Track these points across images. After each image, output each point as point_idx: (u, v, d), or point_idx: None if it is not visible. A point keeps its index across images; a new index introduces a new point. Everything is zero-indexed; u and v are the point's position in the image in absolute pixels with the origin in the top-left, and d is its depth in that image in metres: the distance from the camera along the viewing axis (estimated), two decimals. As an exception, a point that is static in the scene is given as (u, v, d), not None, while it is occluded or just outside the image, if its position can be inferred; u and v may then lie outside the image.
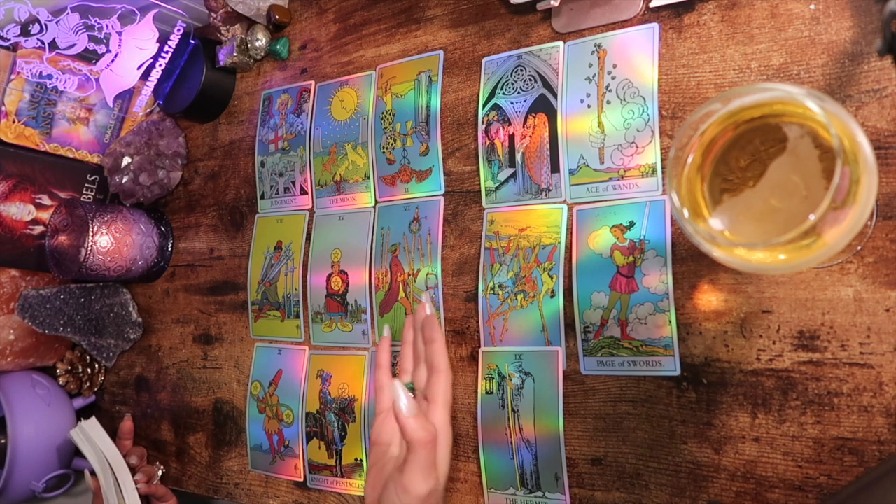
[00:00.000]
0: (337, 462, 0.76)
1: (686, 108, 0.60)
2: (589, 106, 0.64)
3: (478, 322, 0.68)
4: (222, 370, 0.89)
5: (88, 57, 0.87)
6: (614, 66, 0.63)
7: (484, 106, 0.70)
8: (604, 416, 0.61)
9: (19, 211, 0.96)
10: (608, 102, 0.63)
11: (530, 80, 0.68)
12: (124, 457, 0.88)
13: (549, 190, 0.66)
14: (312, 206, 0.83)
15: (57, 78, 0.88)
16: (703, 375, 0.57)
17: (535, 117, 0.67)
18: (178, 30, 0.88)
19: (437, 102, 0.74)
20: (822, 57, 0.54)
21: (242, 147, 0.91)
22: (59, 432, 0.95)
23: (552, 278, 0.64)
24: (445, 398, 0.59)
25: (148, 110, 0.99)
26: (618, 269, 0.61)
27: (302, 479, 0.79)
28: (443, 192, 0.73)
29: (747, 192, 0.43)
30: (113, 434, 0.91)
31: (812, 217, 0.37)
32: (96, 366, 1.02)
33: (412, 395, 0.58)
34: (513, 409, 0.65)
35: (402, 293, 0.74)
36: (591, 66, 0.65)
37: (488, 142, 0.70)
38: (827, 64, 0.54)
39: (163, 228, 0.97)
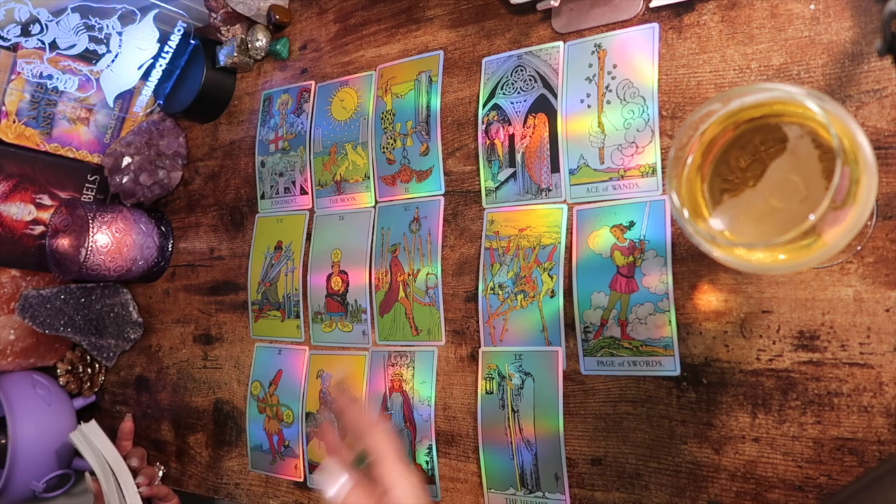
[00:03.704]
0: (337, 462, 0.76)
1: (686, 108, 0.60)
2: (589, 106, 0.64)
3: (478, 322, 0.68)
4: (222, 370, 0.89)
5: (89, 57, 0.87)
6: (614, 66, 0.63)
7: (484, 106, 0.71)
8: (604, 416, 0.61)
9: (20, 211, 0.96)
10: (608, 102, 0.63)
11: (530, 80, 0.68)
12: (124, 458, 0.88)
13: (549, 190, 0.66)
14: (312, 206, 0.83)
15: (57, 78, 0.88)
16: (703, 375, 0.57)
17: (535, 117, 0.67)
18: (179, 30, 0.88)
19: (437, 102, 0.74)
20: (822, 57, 0.54)
21: (243, 147, 0.91)
22: (59, 432, 0.95)
23: (552, 278, 0.64)
24: (389, 451, 0.56)
25: (148, 110, 0.99)
26: (618, 269, 0.61)
27: (302, 479, 0.79)
28: (443, 192, 0.73)
29: (747, 193, 0.43)
30: (113, 435, 0.91)
31: (812, 217, 0.37)
32: (97, 366, 1.02)
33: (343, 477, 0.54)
34: (513, 409, 0.65)
35: (402, 293, 0.74)
36: (591, 66, 0.65)
37: (488, 142, 0.70)
38: (827, 64, 0.54)
39: (163, 228, 0.97)
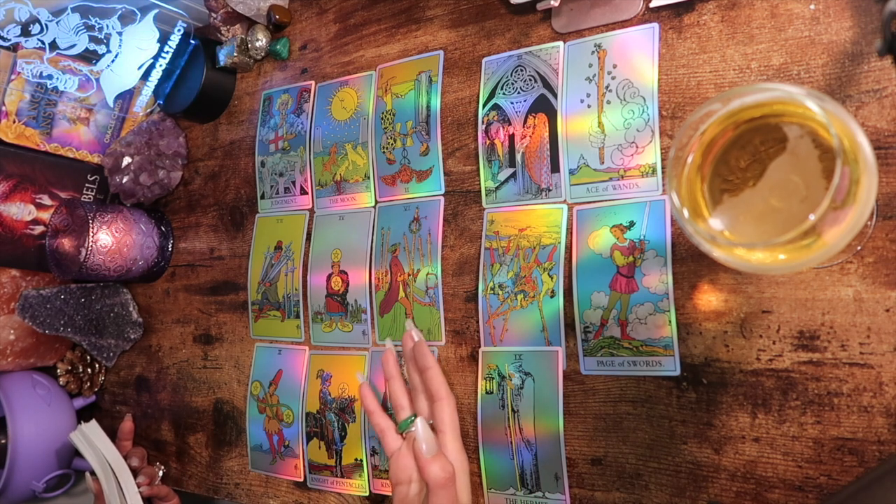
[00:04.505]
0: (337, 462, 0.76)
1: (686, 108, 0.60)
2: (589, 106, 0.64)
3: (478, 322, 0.68)
4: (222, 370, 0.89)
5: (89, 57, 0.87)
6: (614, 66, 0.63)
7: (484, 106, 0.71)
8: (604, 416, 0.61)
9: (20, 211, 0.96)
10: (608, 102, 0.63)
11: (530, 80, 0.68)
12: (125, 458, 0.88)
13: (549, 190, 0.66)
14: (312, 206, 0.83)
15: (57, 78, 0.88)
16: (703, 375, 0.57)
17: (535, 117, 0.67)
18: (179, 30, 0.88)
19: (437, 102, 0.74)
20: (822, 57, 0.54)
21: (243, 147, 0.91)
22: (59, 432, 0.95)
23: (552, 278, 0.64)
24: (454, 426, 0.61)
25: (148, 110, 0.99)
26: (618, 269, 0.61)
27: (302, 479, 0.79)
28: (443, 192, 0.73)
29: (747, 192, 0.43)
30: (113, 435, 0.91)
31: (812, 217, 0.37)
32: (97, 366, 1.02)
33: (431, 431, 0.59)
34: (513, 409, 0.65)
35: (402, 293, 0.74)
36: (591, 66, 0.65)
37: (488, 142, 0.70)
38: (827, 64, 0.54)
39: (163, 228, 0.97)
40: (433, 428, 0.62)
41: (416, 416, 0.64)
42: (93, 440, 0.88)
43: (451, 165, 0.72)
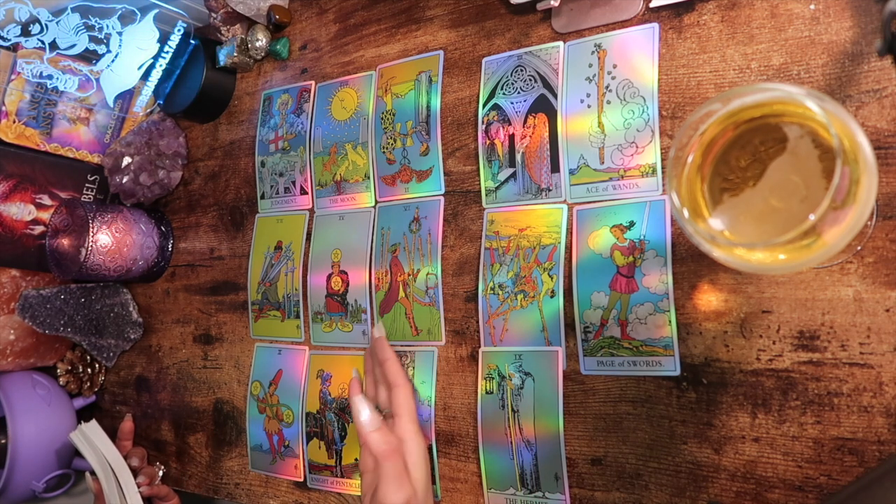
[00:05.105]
0: (337, 462, 0.76)
1: (686, 108, 0.60)
2: (589, 106, 0.64)
3: (478, 322, 0.68)
4: (222, 370, 0.89)
5: (89, 57, 0.87)
6: (614, 66, 0.63)
7: (484, 106, 0.71)
8: (604, 416, 0.61)
9: (20, 211, 0.96)
10: (608, 102, 0.63)
11: (530, 80, 0.68)
12: (125, 458, 0.88)
13: (549, 190, 0.66)
14: (312, 206, 0.83)
15: (57, 78, 0.88)
16: (703, 375, 0.57)
17: (535, 117, 0.67)
18: (179, 30, 0.88)
19: (437, 102, 0.74)
20: (822, 57, 0.54)
21: (243, 147, 0.91)
22: (59, 432, 0.95)
23: (552, 278, 0.64)
24: (408, 409, 0.63)
25: (148, 110, 0.99)
26: (618, 269, 0.61)
27: (302, 479, 0.79)
28: (443, 192, 0.73)
29: (747, 192, 0.43)
30: (113, 435, 0.91)
31: (812, 217, 0.37)
32: (97, 366, 1.02)
33: (377, 410, 0.61)
34: (513, 409, 0.65)
35: (402, 293, 0.74)
36: (591, 66, 0.65)
37: (488, 142, 0.70)
38: (827, 64, 0.54)
39: (163, 228, 0.97)
40: (392, 414, 0.64)
41: (377, 405, 0.66)
42: (93, 440, 0.88)
43: (451, 165, 0.72)
